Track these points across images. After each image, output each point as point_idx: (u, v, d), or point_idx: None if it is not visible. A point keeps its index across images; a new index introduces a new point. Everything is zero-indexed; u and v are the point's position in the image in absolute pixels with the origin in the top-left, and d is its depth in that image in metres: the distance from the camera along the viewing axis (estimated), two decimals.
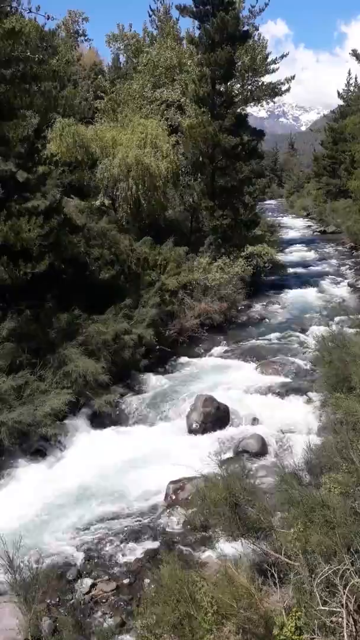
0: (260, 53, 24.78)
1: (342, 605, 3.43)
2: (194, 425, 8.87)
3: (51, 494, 7.15)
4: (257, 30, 24.36)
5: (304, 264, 23.47)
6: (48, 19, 10.31)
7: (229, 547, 4.80)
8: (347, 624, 3.36)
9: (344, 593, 3.43)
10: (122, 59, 28.43)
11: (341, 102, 39.50)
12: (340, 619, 3.47)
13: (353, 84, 38.56)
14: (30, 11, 10.01)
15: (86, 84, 26.19)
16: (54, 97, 11.02)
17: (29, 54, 10.27)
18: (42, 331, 9.68)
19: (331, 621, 3.54)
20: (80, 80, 26.18)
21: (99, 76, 26.83)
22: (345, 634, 3.32)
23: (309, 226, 38.49)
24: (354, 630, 3.39)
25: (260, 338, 13.32)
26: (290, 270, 21.70)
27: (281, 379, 10.43)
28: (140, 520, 6.74)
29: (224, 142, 16.89)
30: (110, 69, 28.90)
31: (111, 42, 26.39)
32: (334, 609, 3.52)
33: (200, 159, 17.73)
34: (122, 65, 28.31)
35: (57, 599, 5.33)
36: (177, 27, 25.79)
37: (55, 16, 10.37)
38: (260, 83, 25.53)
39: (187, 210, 18.84)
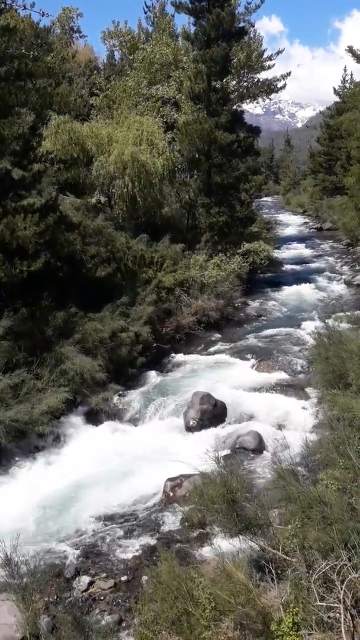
0: (256, 50, 24.76)
1: (339, 600, 3.44)
2: (191, 423, 8.88)
3: (48, 492, 7.15)
4: (253, 26, 24.37)
5: (301, 261, 23.49)
6: (43, 15, 10.26)
7: (226, 544, 4.80)
8: (344, 619, 3.37)
9: (341, 589, 3.44)
10: (118, 55, 28.35)
11: (337, 99, 39.47)
12: (337, 615, 3.48)
13: (349, 81, 38.54)
14: (25, 8, 9.90)
15: (81, 81, 26.09)
16: (49, 94, 10.93)
17: (23, 51, 10.22)
18: (39, 329, 9.67)
19: (329, 617, 3.56)
20: (76, 77, 26.07)
21: (94, 73, 26.75)
22: (342, 629, 3.33)
23: (306, 223, 38.48)
24: (351, 625, 3.40)
25: (256, 335, 13.33)
26: (287, 267, 21.71)
27: (278, 376, 10.44)
28: (137, 518, 6.75)
29: (220, 139, 16.87)
30: (106, 65, 28.79)
31: (106, 39, 26.27)
32: (332, 605, 3.53)
33: (196, 156, 17.68)
34: (117, 62, 28.21)
35: (55, 597, 5.33)
36: (172, 23, 25.75)
37: (49, 13, 10.29)
38: (255, 80, 25.54)
39: (183, 208, 18.82)
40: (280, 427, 8.55)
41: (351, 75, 38.73)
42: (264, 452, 7.92)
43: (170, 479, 7.18)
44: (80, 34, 28.97)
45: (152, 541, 6.20)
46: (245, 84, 25.31)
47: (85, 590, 5.46)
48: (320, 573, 3.65)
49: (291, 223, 39.20)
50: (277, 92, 26.28)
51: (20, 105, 10.34)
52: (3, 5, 10.33)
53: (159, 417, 9.44)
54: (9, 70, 9.69)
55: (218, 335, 13.38)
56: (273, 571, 4.09)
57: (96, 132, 16.49)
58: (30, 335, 9.43)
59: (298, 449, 5.84)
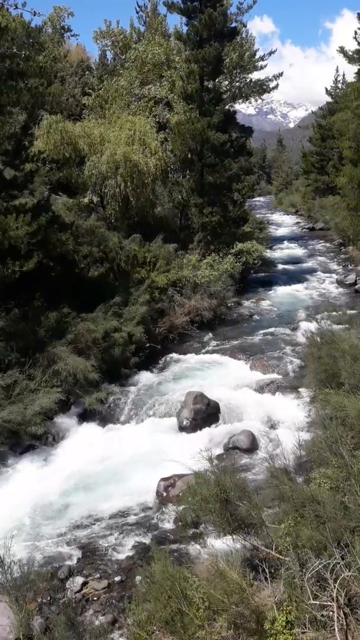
0: (248, 50, 24.81)
1: (332, 599, 3.46)
2: (184, 422, 8.88)
3: (42, 493, 7.13)
4: (245, 27, 24.40)
5: (293, 261, 23.55)
6: (34, 15, 10.23)
7: (220, 543, 4.81)
8: (337, 617, 3.39)
9: (335, 587, 3.46)
10: (110, 55, 28.28)
11: (329, 99, 39.58)
12: (330, 613, 3.50)
13: (341, 81, 38.66)
14: (17, 7, 9.86)
15: (73, 81, 26.05)
16: (41, 94, 10.88)
17: (15, 50, 10.17)
18: (31, 330, 9.63)
19: (322, 615, 3.57)
20: (68, 77, 26.02)
21: (87, 73, 26.69)
22: (336, 627, 3.35)
23: (298, 223, 38.58)
24: (344, 623, 3.42)
25: (249, 334, 13.35)
26: (279, 267, 21.77)
27: (271, 375, 10.47)
28: (131, 518, 6.74)
29: (213, 139, 16.89)
30: (98, 65, 28.72)
31: (98, 39, 26.18)
32: (325, 603, 3.55)
33: (189, 156, 17.70)
34: (109, 62, 28.14)
35: (49, 598, 5.32)
36: (164, 23, 25.76)
37: (41, 12, 10.25)
38: (248, 80, 25.59)
39: (176, 208, 18.82)
40: (273, 426, 8.58)
41: (343, 75, 38.89)
42: (257, 451, 7.94)
43: (163, 479, 7.17)
44: (72, 33, 28.82)
45: (146, 541, 6.20)
46: (237, 84, 25.36)
47: (79, 591, 5.45)
48: (313, 572, 3.67)
49: (284, 223, 39.29)
50: (269, 92, 26.36)
51: (12, 104, 10.29)
52: None
53: (152, 417, 9.43)
54: (1, 69, 9.66)
55: (211, 335, 13.39)
56: (266, 570, 4.10)
57: (88, 131, 16.45)
58: (22, 336, 9.40)
59: (291, 448, 5.85)
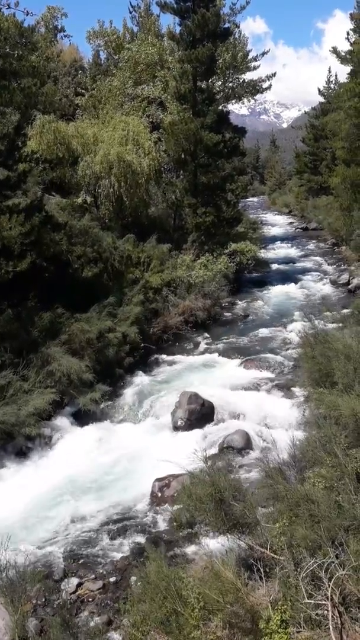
0: (241, 50, 24.85)
1: (327, 598, 3.47)
2: (179, 422, 8.88)
3: (36, 494, 7.11)
4: (238, 27, 24.44)
5: (287, 261, 23.60)
6: (27, 14, 10.22)
7: (215, 543, 4.81)
8: (332, 616, 3.40)
9: (329, 586, 3.47)
10: (103, 55, 28.21)
11: (322, 99, 39.68)
12: (325, 612, 3.51)
13: (333, 82, 38.76)
14: (9, 7, 9.85)
15: (67, 81, 25.97)
16: (34, 94, 10.88)
17: (8, 50, 10.15)
18: (25, 330, 9.60)
19: (317, 614, 3.58)
20: (61, 77, 25.93)
21: (80, 73, 26.64)
22: (330, 626, 3.36)
23: (291, 223, 38.64)
24: (339, 622, 3.43)
25: (243, 334, 13.37)
26: (273, 267, 21.81)
27: (265, 375, 10.49)
28: (126, 518, 6.73)
29: (206, 140, 16.91)
30: (91, 65, 28.64)
31: (91, 39, 26.13)
32: (320, 602, 3.56)
33: (182, 156, 17.71)
34: (102, 62, 28.07)
35: (44, 599, 5.30)
36: (157, 23, 25.73)
37: (34, 12, 10.25)
38: (241, 80, 25.63)
39: (169, 208, 18.81)
40: (267, 426, 8.59)
41: (335, 76, 38.97)
42: (252, 451, 7.95)
43: (158, 479, 7.17)
44: (65, 34, 28.71)
45: (141, 541, 6.19)
46: (230, 84, 25.39)
47: (74, 592, 5.44)
48: (308, 571, 3.68)
49: (277, 223, 39.35)
50: (262, 92, 26.42)
51: (5, 104, 10.27)
52: None
53: (146, 417, 9.43)
54: None
55: (205, 335, 13.40)
56: (261, 569, 4.11)
57: (82, 132, 16.43)
58: (16, 337, 9.36)
59: (285, 447, 5.86)
